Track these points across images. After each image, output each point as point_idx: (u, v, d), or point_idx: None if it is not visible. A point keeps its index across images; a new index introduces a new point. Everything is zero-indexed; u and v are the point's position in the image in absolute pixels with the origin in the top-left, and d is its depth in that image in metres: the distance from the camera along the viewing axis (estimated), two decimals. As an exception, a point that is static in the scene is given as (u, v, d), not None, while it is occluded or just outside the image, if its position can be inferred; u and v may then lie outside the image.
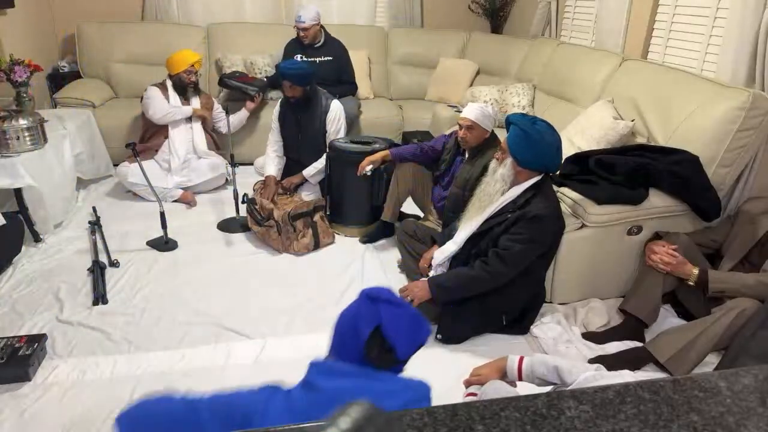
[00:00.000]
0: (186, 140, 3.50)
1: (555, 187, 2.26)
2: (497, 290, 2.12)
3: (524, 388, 1.19)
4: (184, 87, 3.51)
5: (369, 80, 4.56)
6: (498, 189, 2.10)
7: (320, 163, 3.24)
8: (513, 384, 1.38)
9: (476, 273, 2.07)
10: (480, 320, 2.19)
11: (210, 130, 3.66)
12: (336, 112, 3.21)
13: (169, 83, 3.51)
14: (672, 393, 0.79)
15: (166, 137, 3.47)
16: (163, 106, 3.43)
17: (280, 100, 3.34)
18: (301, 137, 3.29)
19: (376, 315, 1.11)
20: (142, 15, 4.58)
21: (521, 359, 1.36)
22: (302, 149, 3.32)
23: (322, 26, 3.97)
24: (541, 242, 2.06)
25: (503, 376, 1.38)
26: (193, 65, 3.48)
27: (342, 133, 3.26)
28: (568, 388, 1.18)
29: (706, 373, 0.83)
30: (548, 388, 1.30)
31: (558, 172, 2.50)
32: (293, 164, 3.39)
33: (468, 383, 1.43)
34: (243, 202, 3.05)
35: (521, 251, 2.03)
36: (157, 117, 3.41)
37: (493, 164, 2.16)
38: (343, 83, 4.06)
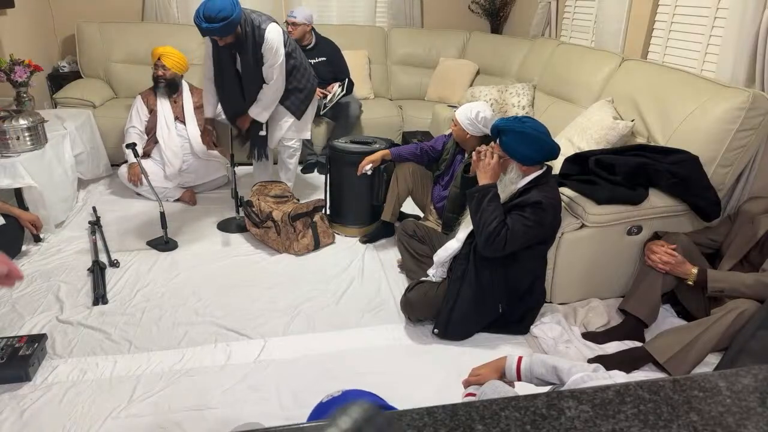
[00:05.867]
0: (178, 150, 3.46)
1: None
2: (491, 278, 2.11)
3: (522, 388, 1.19)
4: (157, 84, 3.44)
5: (369, 80, 4.56)
6: (511, 191, 2.10)
7: (266, 98, 2.94)
8: (511, 384, 1.38)
9: (497, 223, 1.99)
10: (475, 309, 2.17)
11: (206, 123, 3.52)
12: (271, 40, 2.79)
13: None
14: (672, 393, 0.79)
15: (157, 142, 3.46)
16: (128, 127, 3.46)
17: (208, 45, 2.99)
18: (243, 72, 2.93)
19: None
20: (142, 15, 4.59)
21: (520, 359, 1.35)
22: (246, 84, 2.97)
23: (313, 29, 3.96)
24: (540, 226, 2.03)
25: (502, 376, 1.38)
26: (159, 58, 3.37)
27: (277, 61, 2.85)
28: (563, 388, 1.17)
29: (706, 373, 0.83)
30: (547, 388, 1.29)
31: (559, 172, 2.51)
32: (236, 101, 3.04)
33: (467, 383, 1.43)
34: (240, 205, 3.05)
35: (522, 228, 2.00)
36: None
37: None
38: (341, 81, 4.05)
